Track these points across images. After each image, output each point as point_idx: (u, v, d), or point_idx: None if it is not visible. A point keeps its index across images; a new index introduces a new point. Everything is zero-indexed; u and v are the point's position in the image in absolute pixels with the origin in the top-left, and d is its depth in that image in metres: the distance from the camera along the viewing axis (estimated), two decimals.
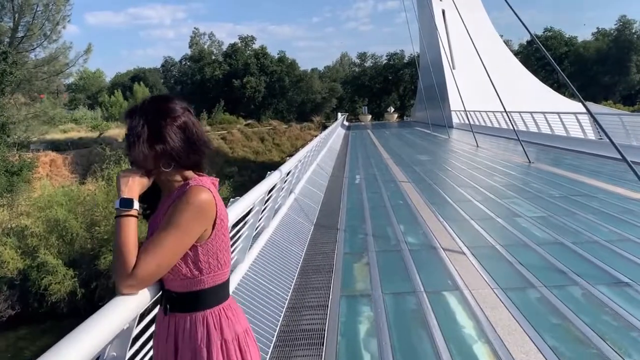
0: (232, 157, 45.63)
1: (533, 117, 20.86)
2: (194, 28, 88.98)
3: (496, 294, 4.14)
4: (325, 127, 33.79)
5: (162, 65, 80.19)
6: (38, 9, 31.23)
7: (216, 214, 1.48)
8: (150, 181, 1.51)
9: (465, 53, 34.12)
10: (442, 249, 5.64)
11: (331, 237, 6.51)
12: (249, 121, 60.15)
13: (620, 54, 68.12)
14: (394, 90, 76.29)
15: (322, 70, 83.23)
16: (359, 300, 4.28)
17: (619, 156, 12.81)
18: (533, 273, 4.57)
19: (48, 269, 14.21)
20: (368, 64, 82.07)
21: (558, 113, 18.98)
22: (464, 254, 5.37)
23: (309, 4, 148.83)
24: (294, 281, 4.78)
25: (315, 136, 20.39)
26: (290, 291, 4.51)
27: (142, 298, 1.43)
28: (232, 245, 4.07)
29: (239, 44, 73.53)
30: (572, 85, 9.12)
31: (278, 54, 73.44)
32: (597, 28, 75.75)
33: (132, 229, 1.41)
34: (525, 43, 76.01)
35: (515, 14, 11.41)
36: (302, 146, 12.94)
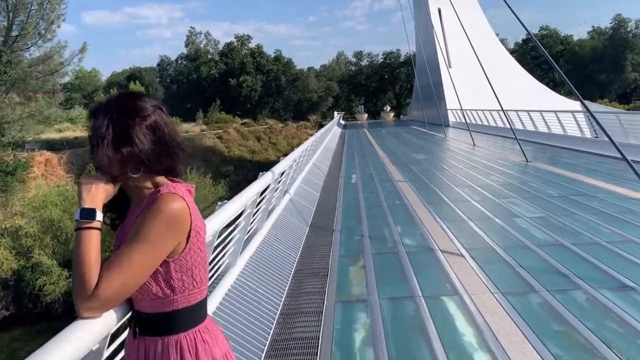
0: (229, 157, 45.43)
1: (530, 116, 20.78)
2: (190, 27, 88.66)
3: (496, 299, 4.00)
4: (321, 126, 33.63)
5: (158, 65, 79.83)
6: (32, 8, 30.94)
7: (190, 225, 1.31)
8: (116, 188, 1.34)
9: (461, 52, 34.08)
10: (440, 250, 5.50)
11: (326, 239, 6.36)
12: (245, 120, 59.96)
13: (615, 53, 68.30)
14: (390, 89, 76.18)
15: (319, 69, 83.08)
16: (355, 305, 4.13)
17: (616, 155, 12.73)
18: (534, 276, 4.44)
19: (42, 269, 14.13)
20: (364, 62, 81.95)
21: (555, 111, 18.90)
22: (463, 256, 5.23)
23: (305, 3, 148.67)
24: (288, 285, 4.62)
25: (312, 135, 20.21)
26: (284, 296, 4.35)
27: (108, 320, 1.26)
28: (223, 249, 3.91)
29: (235, 43, 73.28)
30: (570, 84, 9.01)
31: (274, 53, 73.30)
32: (593, 27, 75.98)
33: (93, 243, 1.24)
34: (521, 42, 76.16)
35: (513, 12, 11.28)
36: (299, 145, 12.78)
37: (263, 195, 5.59)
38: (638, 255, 4.86)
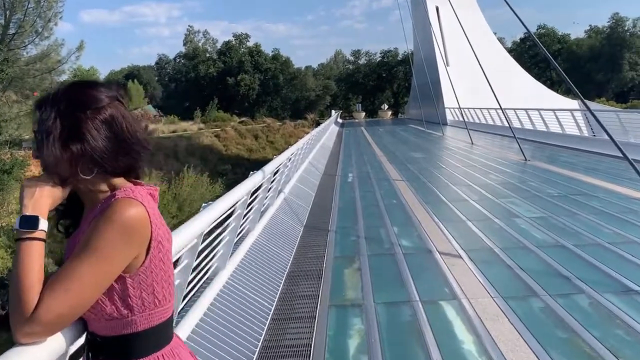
0: (226, 155, 45.27)
1: (528, 114, 20.65)
2: (189, 26, 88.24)
3: (497, 304, 3.84)
4: (319, 125, 33.45)
5: (157, 63, 79.63)
6: (29, 6, 30.73)
7: (151, 234, 1.13)
8: (65, 192, 1.16)
9: (459, 50, 33.94)
10: (438, 252, 5.34)
11: (321, 240, 6.19)
12: (243, 119, 59.78)
13: (613, 52, 68.36)
14: (387, 88, 76.07)
15: (317, 67, 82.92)
16: (349, 310, 3.97)
17: (615, 153, 12.64)
18: (535, 279, 4.28)
19: None
20: (362, 61, 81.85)
21: (554, 110, 18.78)
22: (461, 257, 5.08)
23: (303, 2, 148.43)
24: (280, 289, 4.46)
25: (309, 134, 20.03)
26: (276, 300, 4.19)
27: (54, 346, 1.07)
28: (212, 252, 3.74)
29: (233, 42, 73.11)
30: (570, 83, 8.86)
31: (272, 51, 73.17)
32: (590, 26, 76.03)
33: (35, 256, 1.06)
34: (519, 40, 76.13)
35: (512, 9, 11.16)
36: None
37: (256, 195, 5.43)
38: None
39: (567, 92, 54.90)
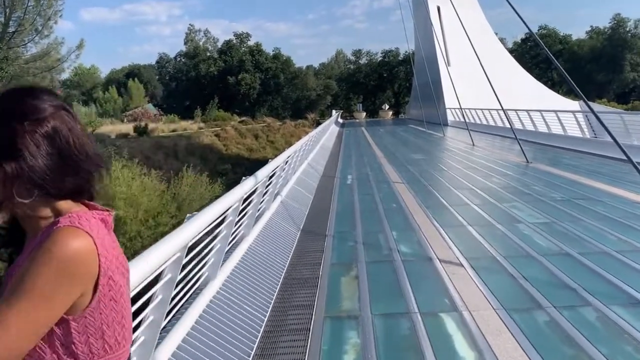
0: (226, 154, 45.12)
1: (530, 116, 20.47)
2: (189, 24, 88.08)
3: (499, 316, 3.67)
4: (319, 124, 33.27)
5: (157, 62, 79.53)
6: (29, 4, 30.65)
7: (99, 269, 0.96)
8: (1, 218, 1.00)
9: (460, 50, 33.75)
10: (438, 259, 5.17)
11: (318, 245, 6.02)
12: (243, 118, 59.66)
13: (614, 52, 68.15)
14: (388, 88, 75.85)
15: (317, 67, 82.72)
16: (345, 323, 3.80)
17: (618, 155, 12.48)
18: (539, 290, 4.11)
19: None
20: (363, 61, 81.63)
21: (556, 111, 18.60)
22: (462, 266, 4.91)
23: (305, 2, 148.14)
24: (274, 298, 4.29)
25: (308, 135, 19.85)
26: (269, 311, 4.02)
27: None
28: (202, 259, 3.58)
29: (234, 41, 72.98)
30: (573, 84, 8.68)
31: (273, 50, 73.00)
32: (591, 26, 75.80)
33: None
34: (520, 41, 75.94)
35: (514, 9, 11.00)
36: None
37: (250, 199, 5.26)
38: None
39: (568, 93, 54.70)
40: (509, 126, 17.06)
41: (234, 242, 4.79)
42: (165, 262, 2.41)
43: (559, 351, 3.17)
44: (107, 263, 0.97)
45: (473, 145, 18.42)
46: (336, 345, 3.45)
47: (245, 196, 4.37)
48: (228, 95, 66.19)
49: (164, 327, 2.89)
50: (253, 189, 5.06)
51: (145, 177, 20.54)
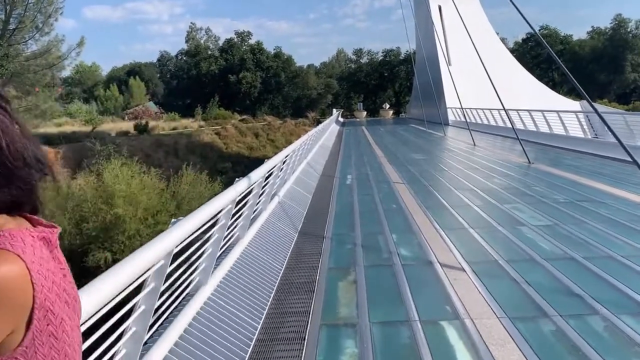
0: (226, 153, 45.01)
1: (531, 116, 20.30)
2: (191, 23, 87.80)
3: (503, 325, 3.52)
4: (319, 123, 33.10)
5: (159, 60, 79.34)
6: (30, 1, 30.51)
7: (33, 301, 0.80)
8: None
9: (461, 49, 33.57)
10: (439, 263, 5.02)
11: (316, 248, 5.87)
12: (244, 117, 59.53)
13: (615, 53, 67.95)
14: (389, 87, 75.63)
15: (318, 66, 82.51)
16: (342, 331, 3.65)
17: (620, 156, 12.33)
18: (544, 297, 3.96)
19: None
20: (364, 60, 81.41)
21: (558, 111, 18.43)
22: (464, 270, 4.75)
23: (306, 1, 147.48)
24: (269, 304, 4.13)
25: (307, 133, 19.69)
26: (263, 318, 3.86)
27: None
28: (192, 264, 3.42)
29: (235, 39, 72.79)
30: (578, 85, 8.54)
31: (274, 49, 72.79)
32: (592, 27, 75.58)
33: None
34: (521, 41, 75.74)
35: (517, 9, 10.88)
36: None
37: (246, 200, 5.11)
38: None
39: (568, 93, 54.51)
40: (510, 126, 16.90)
41: (228, 245, 4.64)
42: (147, 270, 2.26)
43: None
44: (44, 292, 0.80)
45: (474, 145, 18.25)
46: (332, 355, 3.30)
47: (238, 198, 4.21)
48: (229, 94, 66.04)
49: (150, 338, 2.74)
50: (248, 190, 4.91)
51: (144, 175, 20.43)
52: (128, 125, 43.85)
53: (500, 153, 16.56)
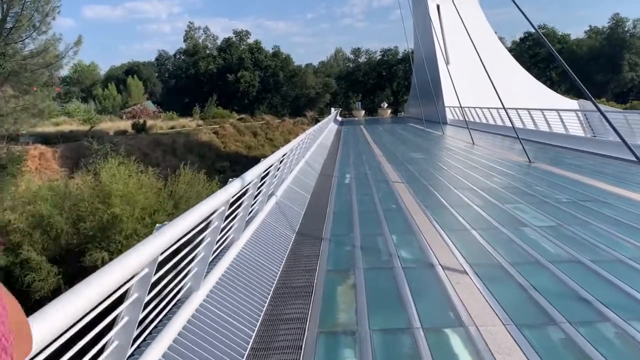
0: (224, 152, 44.88)
1: (530, 114, 20.17)
2: (189, 22, 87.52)
3: (509, 333, 3.35)
4: (318, 122, 32.95)
5: (157, 59, 79.03)
6: (27, 0, 30.29)
7: None
8: None
9: (459, 49, 33.45)
10: (441, 266, 4.85)
11: (314, 250, 5.70)
12: (242, 116, 59.37)
13: (612, 52, 67.96)
14: (387, 86, 75.49)
15: (317, 65, 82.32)
16: (341, 339, 3.48)
17: (621, 155, 12.20)
18: (551, 302, 3.80)
19: (32, 265, 13.93)
20: (362, 59, 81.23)
21: (557, 110, 18.31)
22: (467, 273, 4.59)
23: (304, 0, 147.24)
24: (264, 310, 3.96)
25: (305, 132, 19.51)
26: (258, 325, 3.69)
27: None
28: (183, 269, 3.24)
29: (234, 39, 72.55)
30: (581, 85, 8.38)
31: (273, 49, 72.57)
32: (590, 26, 75.57)
33: None
34: (519, 40, 75.68)
35: (519, 8, 10.77)
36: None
37: (241, 201, 4.93)
38: None
39: (566, 92, 54.47)
40: (508, 125, 16.77)
41: (222, 247, 4.47)
42: (130, 279, 2.08)
43: None
44: None
45: (473, 144, 18.11)
46: None
47: (232, 199, 4.03)
48: (227, 93, 65.80)
49: (137, 349, 2.57)
50: (243, 190, 4.73)
51: (142, 175, 20.28)
52: (126, 125, 43.66)
53: (500, 152, 16.41)
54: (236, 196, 4.32)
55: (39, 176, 26.93)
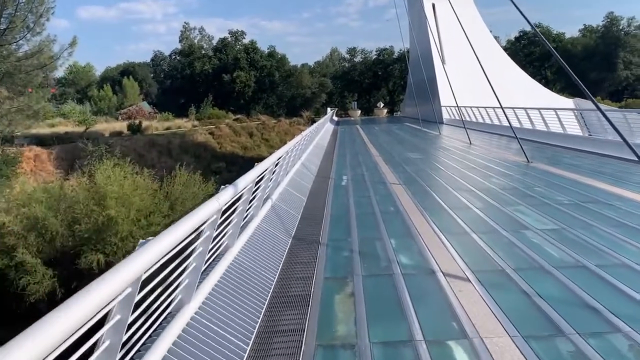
0: (220, 153, 44.68)
1: (527, 113, 20.09)
2: (184, 22, 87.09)
3: (516, 345, 3.20)
4: (314, 122, 32.75)
5: (152, 60, 78.70)
6: (21, 1, 30.03)
7: None
8: None
9: (454, 48, 33.38)
10: (442, 272, 4.70)
11: (311, 256, 5.53)
12: (238, 116, 59.19)
13: (607, 51, 68.16)
14: (383, 86, 75.41)
15: (312, 65, 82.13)
16: (340, 353, 3.31)
17: (620, 155, 12.11)
18: (559, 312, 3.65)
19: (26, 268, 13.86)
20: (358, 59, 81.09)
21: (555, 109, 18.23)
22: (469, 281, 4.44)
23: (300, 0, 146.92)
24: (259, 321, 3.79)
25: (304, 131, 19.36)
26: (253, 337, 3.52)
27: None
28: (174, 282, 3.07)
29: (229, 39, 72.25)
30: (581, 84, 8.26)
31: (268, 48, 72.37)
32: (585, 25, 75.80)
33: None
34: (513, 39, 75.83)
35: (517, 7, 10.65)
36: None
37: (235, 206, 4.76)
38: None
39: (561, 91, 54.55)
40: (505, 124, 16.67)
41: (216, 255, 4.30)
42: (112, 300, 1.92)
43: None
44: None
45: (470, 143, 18.01)
46: None
47: (224, 207, 3.86)
48: (223, 93, 65.53)
49: None
50: (238, 196, 4.56)
51: (137, 176, 20.09)
52: (121, 126, 43.41)
53: (497, 152, 16.30)
54: (230, 203, 4.14)
55: (34, 178, 26.68)
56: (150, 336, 2.84)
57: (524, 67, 50.32)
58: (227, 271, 4.26)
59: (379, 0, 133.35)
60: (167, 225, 2.72)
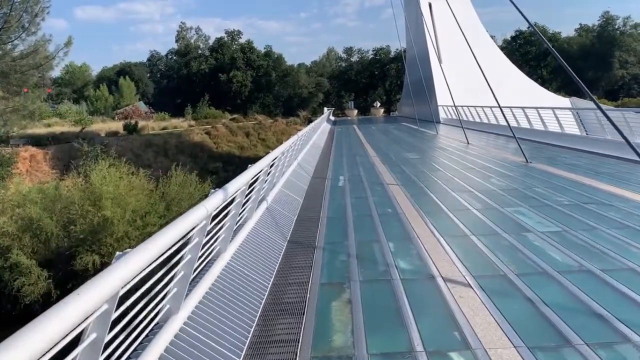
0: (217, 152, 44.45)
1: (525, 113, 19.98)
2: (181, 22, 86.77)
3: (522, 357, 3.05)
4: (310, 122, 32.58)
5: (149, 60, 78.30)
6: (16, 1, 29.76)
7: None
8: None
9: (451, 47, 33.29)
10: (442, 278, 4.55)
11: (307, 260, 5.37)
12: (234, 116, 58.95)
13: (603, 50, 68.28)
14: (380, 85, 75.30)
15: (309, 65, 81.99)
16: None
17: (619, 154, 11.99)
18: (564, 320, 3.50)
19: (21, 269, 13.74)
20: (354, 59, 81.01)
21: (552, 108, 18.13)
22: (471, 287, 4.28)
23: (297, 0, 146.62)
24: (252, 331, 3.63)
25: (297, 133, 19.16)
26: (245, 348, 3.36)
27: None
28: (159, 292, 2.90)
29: (226, 39, 72.00)
30: (581, 83, 8.11)
31: (265, 48, 72.13)
32: (580, 24, 75.94)
33: None
34: (510, 39, 75.91)
35: (516, 6, 10.52)
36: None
37: (228, 209, 4.60)
38: None
39: (557, 90, 54.53)
40: (503, 123, 16.56)
41: (207, 261, 4.12)
42: (86, 318, 1.75)
43: None
44: None
45: (467, 143, 17.88)
46: None
47: (215, 211, 3.69)
48: (219, 93, 65.27)
49: None
50: (230, 199, 4.39)
51: (133, 176, 19.90)
52: (118, 126, 43.14)
53: (496, 151, 16.17)
54: (221, 207, 3.97)
55: (30, 178, 26.44)
56: (135, 349, 2.67)
57: (519, 66, 50.29)
58: (218, 278, 4.09)
59: (376, 0, 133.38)
60: (162, 226, 2.55)
